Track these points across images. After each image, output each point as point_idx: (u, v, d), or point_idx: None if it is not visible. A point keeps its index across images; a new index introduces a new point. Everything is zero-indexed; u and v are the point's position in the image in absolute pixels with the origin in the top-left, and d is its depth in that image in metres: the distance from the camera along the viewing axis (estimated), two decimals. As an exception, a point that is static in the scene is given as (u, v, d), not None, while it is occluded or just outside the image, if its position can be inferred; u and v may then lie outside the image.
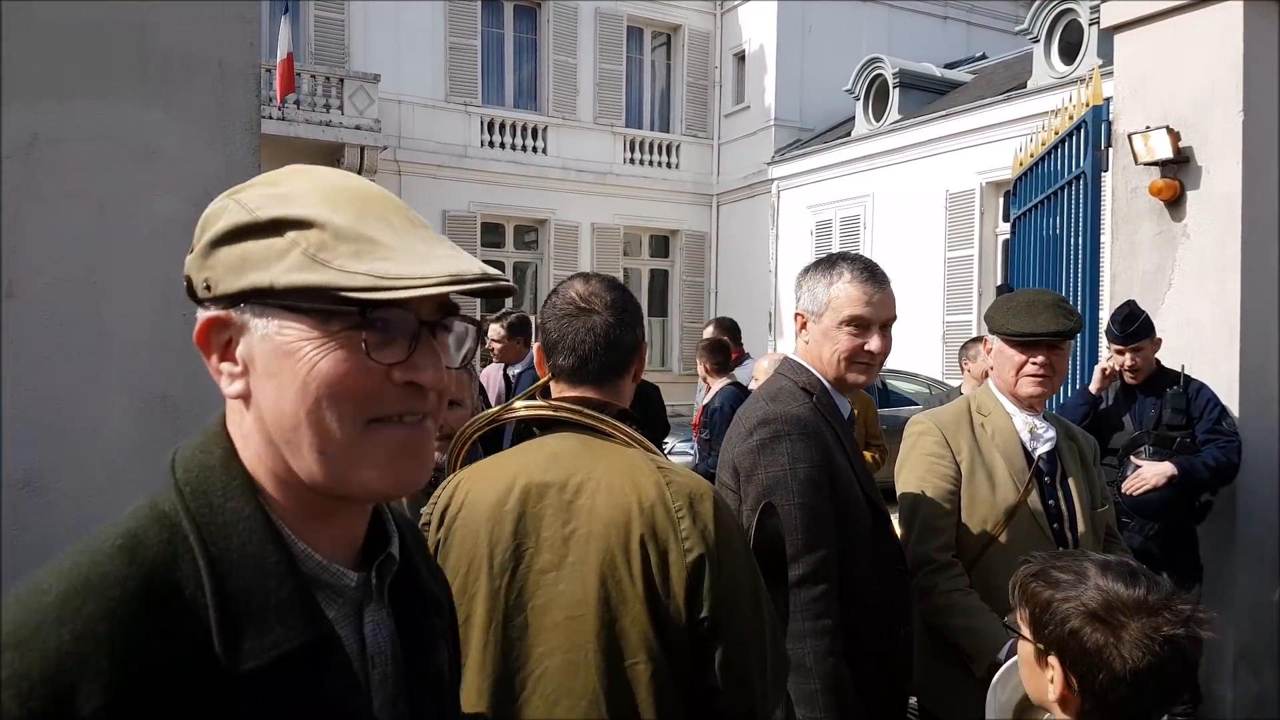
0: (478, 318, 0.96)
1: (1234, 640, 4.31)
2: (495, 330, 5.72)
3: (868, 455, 5.27)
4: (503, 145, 17.13)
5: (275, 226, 0.80)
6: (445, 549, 1.69)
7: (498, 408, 1.89)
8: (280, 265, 0.79)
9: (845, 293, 2.14)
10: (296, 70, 13.79)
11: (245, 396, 0.83)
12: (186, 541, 0.79)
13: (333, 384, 0.79)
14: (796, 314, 2.27)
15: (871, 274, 2.17)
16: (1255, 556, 4.35)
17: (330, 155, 14.78)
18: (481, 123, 16.96)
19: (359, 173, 14.53)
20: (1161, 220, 4.42)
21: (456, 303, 0.86)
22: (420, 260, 0.80)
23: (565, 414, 1.72)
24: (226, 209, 0.83)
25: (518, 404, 1.82)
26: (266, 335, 0.80)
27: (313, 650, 0.80)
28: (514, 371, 5.70)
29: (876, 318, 2.15)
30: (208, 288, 0.83)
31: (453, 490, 1.75)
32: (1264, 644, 4.40)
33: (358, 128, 14.68)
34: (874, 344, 2.15)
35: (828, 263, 2.23)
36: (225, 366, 0.84)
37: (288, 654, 0.78)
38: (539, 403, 1.79)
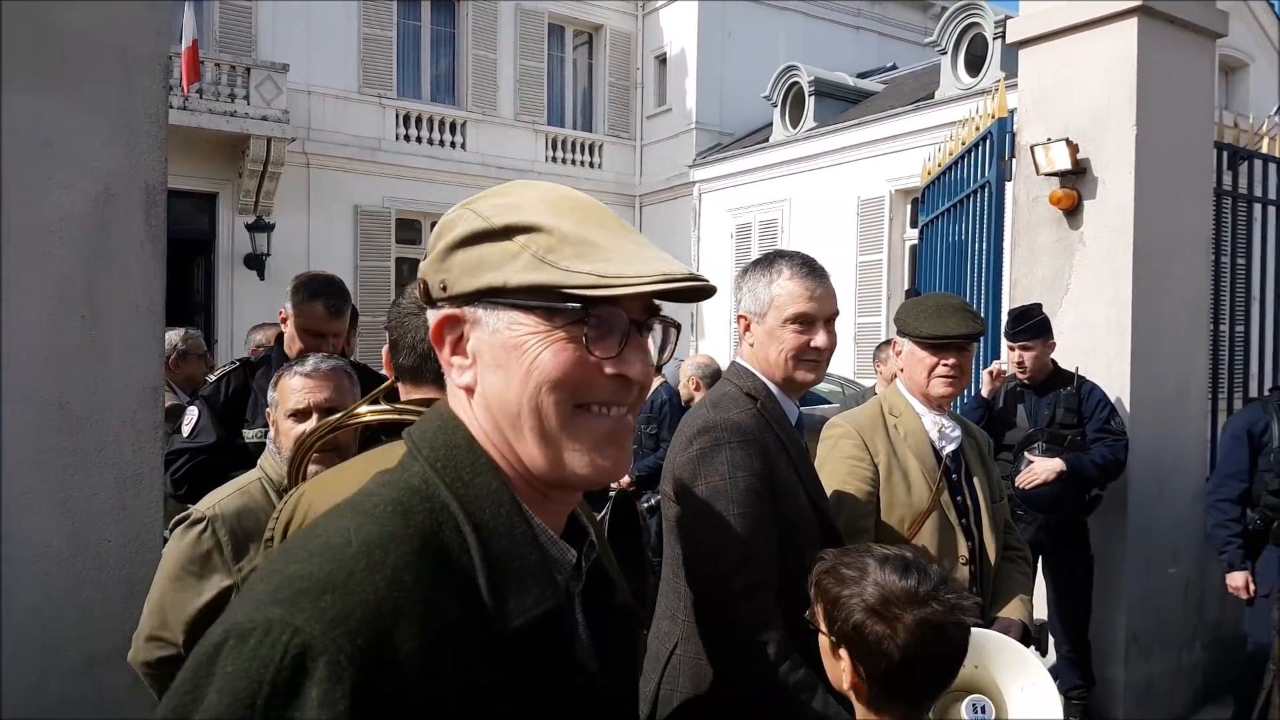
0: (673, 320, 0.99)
1: (1125, 626, 4.51)
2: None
3: None
4: (419, 139, 16.85)
5: (507, 232, 0.88)
6: None
7: (339, 415, 1.85)
8: (512, 266, 0.87)
9: (787, 290, 2.11)
10: (201, 59, 13.33)
11: (471, 387, 0.93)
12: (446, 510, 0.87)
13: (553, 373, 0.87)
14: (739, 316, 2.22)
15: (811, 269, 2.15)
16: (1142, 546, 4.56)
17: (235, 146, 14.38)
18: (396, 116, 16.66)
19: (264, 165, 14.25)
20: (1060, 228, 4.59)
21: (659, 305, 0.93)
22: (634, 261, 0.87)
23: (410, 417, 1.63)
24: (463, 217, 0.92)
25: (362, 409, 1.76)
26: (496, 330, 0.89)
27: (557, 615, 0.89)
28: None
29: (820, 313, 2.12)
30: (444, 288, 0.92)
31: (295, 503, 1.70)
32: (1153, 629, 4.61)
33: (264, 118, 14.27)
34: (820, 340, 2.12)
35: (766, 261, 2.19)
36: (456, 359, 0.94)
37: (541, 616, 0.86)
38: (384, 407, 1.73)
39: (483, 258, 0.89)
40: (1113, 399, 4.35)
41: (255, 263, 14.73)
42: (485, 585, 0.84)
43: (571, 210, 0.91)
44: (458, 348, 0.93)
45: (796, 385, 2.18)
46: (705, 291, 0.89)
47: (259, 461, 2.35)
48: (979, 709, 1.84)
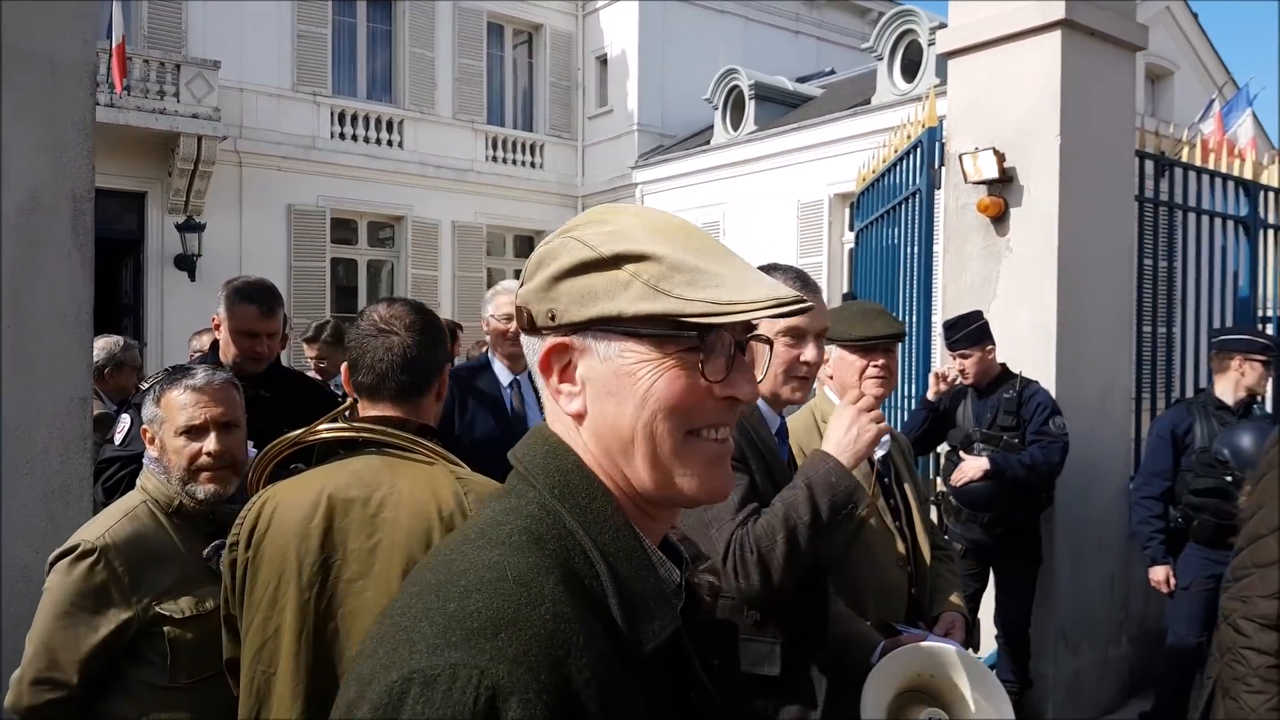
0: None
1: (1054, 623, 4.64)
2: (316, 349, 5.44)
3: None
4: (355, 138, 16.60)
5: (616, 261, 0.89)
6: (255, 565, 1.78)
7: (300, 430, 1.90)
8: (625, 296, 0.88)
9: None
10: (128, 55, 13.00)
11: (581, 414, 0.94)
12: (572, 537, 0.88)
13: (668, 400, 0.89)
14: None
15: (804, 283, 2.11)
16: (1070, 544, 4.70)
17: (164, 145, 14.04)
18: (331, 114, 16.39)
19: (195, 164, 13.95)
20: (988, 235, 4.71)
21: (755, 323, 0.94)
22: (743, 285, 0.88)
23: (366, 434, 1.81)
24: (568, 246, 0.93)
25: (321, 426, 1.86)
26: (608, 358, 0.91)
27: (677, 636, 0.91)
28: (336, 383, 5.24)
29: (811, 327, 2.11)
30: (552, 317, 0.93)
31: (259, 510, 1.81)
32: (1080, 624, 4.76)
33: (195, 116, 13.93)
34: (810, 354, 2.11)
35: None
36: (565, 387, 0.94)
37: (668, 639, 0.88)
38: (341, 424, 1.86)
39: (592, 287, 0.90)
40: (1045, 401, 4.47)
41: (186, 263, 14.40)
42: (618, 610, 0.85)
43: (675, 236, 0.93)
44: (565, 375, 0.94)
45: (783, 402, 2.18)
46: (805, 309, 0.91)
47: (139, 482, 2.22)
48: None
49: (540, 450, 0.95)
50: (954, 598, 2.73)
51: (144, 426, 2.25)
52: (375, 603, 1.71)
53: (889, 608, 2.56)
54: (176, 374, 2.27)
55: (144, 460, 2.25)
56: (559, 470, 0.93)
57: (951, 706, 2.01)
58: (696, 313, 0.87)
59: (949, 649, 2.08)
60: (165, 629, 2.06)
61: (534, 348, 0.96)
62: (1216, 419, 4.49)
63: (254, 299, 3.26)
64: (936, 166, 5.02)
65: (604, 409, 0.92)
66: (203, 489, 2.19)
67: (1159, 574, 4.49)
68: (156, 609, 2.06)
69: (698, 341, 0.89)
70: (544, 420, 1.01)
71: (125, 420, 3.23)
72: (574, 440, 0.95)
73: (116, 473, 3.04)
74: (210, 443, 2.19)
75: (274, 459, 1.95)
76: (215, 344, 3.39)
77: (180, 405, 2.19)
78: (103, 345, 4.85)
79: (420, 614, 0.79)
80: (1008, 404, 4.45)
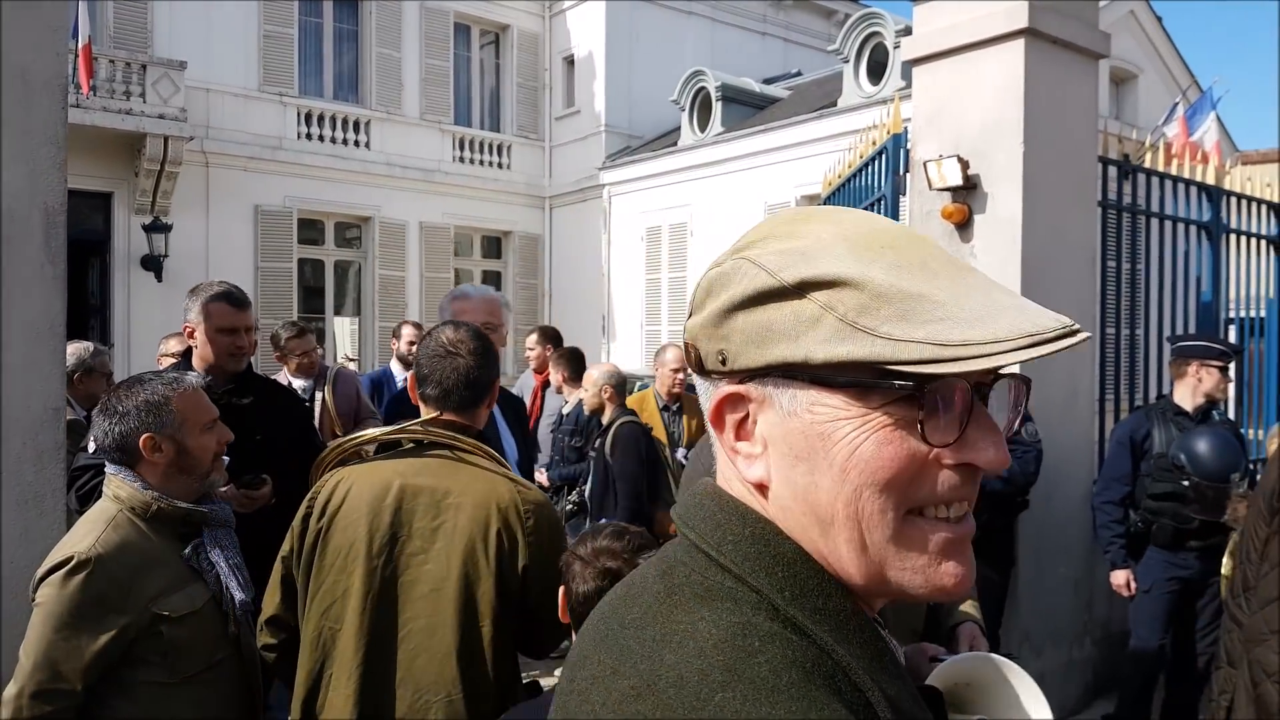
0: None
1: (1018, 626, 4.72)
2: (304, 342, 5.36)
3: None
4: (321, 138, 16.51)
5: (801, 289, 0.69)
6: (327, 535, 2.13)
7: (382, 430, 2.29)
8: (814, 335, 0.68)
9: None
10: (94, 55, 12.86)
11: (765, 483, 0.74)
12: (829, 658, 0.68)
13: (876, 470, 0.68)
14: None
15: None
16: (1034, 547, 4.78)
17: (131, 145, 13.92)
18: (298, 114, 16.30)
19: (161, 164, 13.82)
20: (952, 242, 4.78)
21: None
22: (980, 317, 0.66)
23: (434, 436, 2.19)
24: (741, 269, 0.73)
25: (372, 430, 2.29)
26: (794, 413, 0.71)
27: None
28: (302, 384, 5.26)
29: None
30: (722, 360, 0.74)
31: (333, 487, 2.18)
32: (1044, 626, 4.83)
33: (161, 116, 13.83)
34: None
35: None
36: (743, 446, 0.75)
37: None
38: (418, 426, 2.22)
39: (770, 323, 0.70)
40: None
41: (153, 264, 14.27)
42: None
43: (884, 249, 0.71)
44: (742, 431, 0.75)
45: None
46: (1079, 341, 0.67)
47: (108, 491, 2.24)
48: None
49: (739, 530, 0.74)
50: (967, 606, 2.73)
51: (147, 436, 2.22)
52: (433, 576, 2.06)
53: (906, 618, 2.59)
54: (174, 380, 2.34)
55: (109, 470, 2.26)
56: (780, 562, 0.72)
57: (993, 712, 2.07)
58: (913, 358, 0.66)
59: (991, 659, 2.15)
60: (163, 628, 2.12)
61: (705, 394, 0.78)
62: (1175, 424, 4.56)
63: (226, 296, 3.31)
64: (901, 173, 5.09)
65: (794, 477, 0.72)
66: (220, 476, 2.37)
67: (1120, 578, 4.57)
68: (154, 610, 2.12)
69: (915, 391, 0.67)
70: (711, 478, 0.81)
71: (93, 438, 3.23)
72: (762, 510, 0.75)
73: (90, 480, 3.03)
74: (225, 431, 2.36)
75: (343, 452, 2.30)
76: (188, 351, 3.38)
77: (198, 405, 2.31)
78: (72, 351, 4.81)
79: None
80: None
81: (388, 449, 2.27)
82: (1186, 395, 4.62)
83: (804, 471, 0.71)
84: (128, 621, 2.07)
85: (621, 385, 5.24)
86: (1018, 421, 0.78)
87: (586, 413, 5.37)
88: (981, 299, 0.68)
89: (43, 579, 2.08)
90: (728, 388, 0.74)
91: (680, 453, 5.71)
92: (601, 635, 0.74)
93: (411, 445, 2.23)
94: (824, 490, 0.70)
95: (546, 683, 2.31)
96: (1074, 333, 0.65)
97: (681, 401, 5.93)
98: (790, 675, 0.64)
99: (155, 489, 2.21)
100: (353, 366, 6.23)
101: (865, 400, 0.69)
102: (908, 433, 0.68)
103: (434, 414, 2.23)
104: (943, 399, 0.68)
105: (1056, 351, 0.65)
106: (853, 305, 0.68)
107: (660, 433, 5.62)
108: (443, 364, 2.23)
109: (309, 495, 2.21)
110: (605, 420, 5.15)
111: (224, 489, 2.83)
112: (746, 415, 0.74)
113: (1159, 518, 4.41)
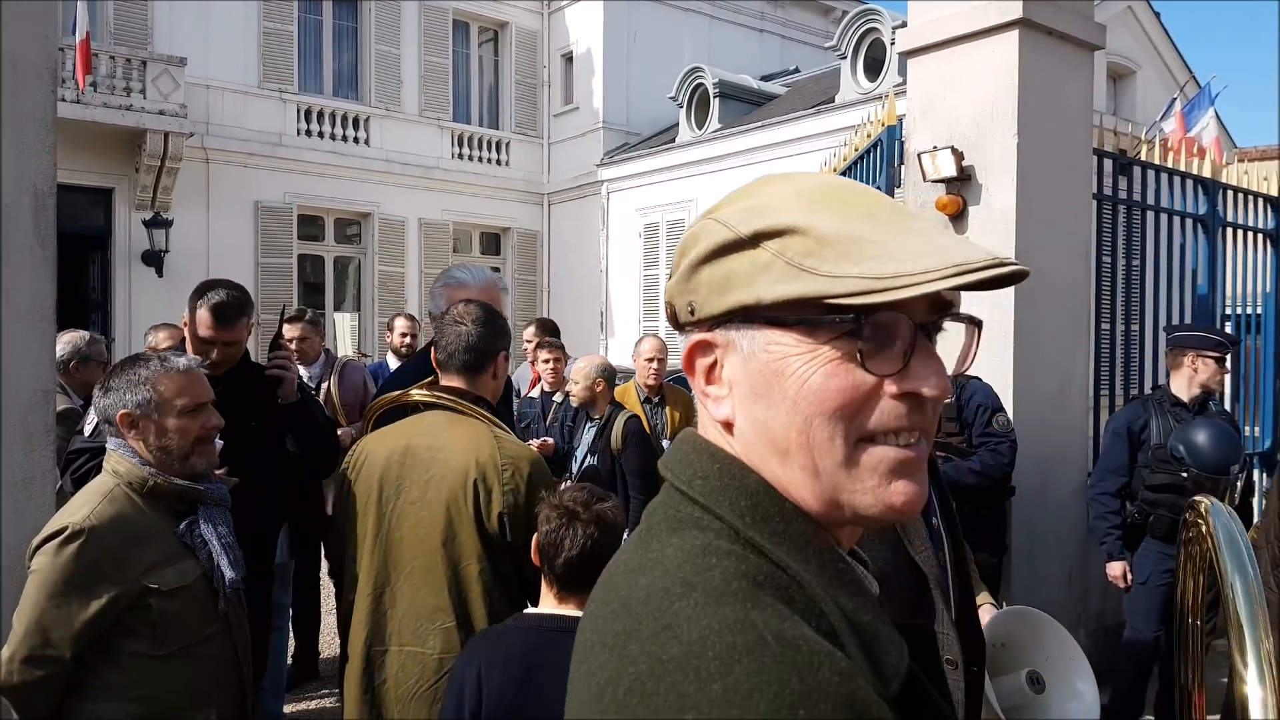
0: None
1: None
2: (300, 329, 5.27)
3: None
4: (321, 135, 16.52)
5: (755, 239, 0.76)
6: (353, 490, 2.50)
7: (398, 392, 2.62)
8: (764, 279, 0.75)
9: None
10: (94, 51, 12.88)
11: (730, 420, 0.80)
12: (784, 573, 0.72)
13: (824, 400, 0.74)
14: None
15: None
16: (1027, 539, 4.78)
17: (131, 141, 13.93)
18: (298, 111, 16.30)
19: (162, 160, 13.83)
20: (947, 233, 4.78)
21: (951, 298, 0.79)
22: (915, 254, 0.71)
23: (437, 399, 2.49)
24: (706, 229, 0.80)
25: (411, 391, 2.58)
26: (752, 354, 0.77)
27: (911, 667, 0.74)
28: (309, 373, 5.21)
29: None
30: (691, 311, 0.81)
31: (359, 450, 2.56)
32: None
33: (161, 113, 13.83)
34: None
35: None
36: (711, 389, 0.82)
37: (906, 669, 0.73)
38: (425, 391, 2.54)
39: (730, 273, 0.77)
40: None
41: (153, 259, 14.29)
42: (858, 650, 0.70)
43: (831, 202, 0.76)
44: (711, 376, 0.81)
45: None
46: (1015, 276, 0.71)
47: (108, 466, 2.30)
48: (1035, 680, 2.13)
49: (708, 467, 0.80)
50: (983, 595, 2.71)
51: (124, 412, 2.29)
52: (426, 521, 2.36)
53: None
54: (161, 361, 2.36)
55: (109, 445, 2.32)
56: (743, 493, 0.77)
57: (1048, 670, 2.16)
58: (845, 291, 0.71)
59: (1028, 613, 2.25)
60: (152, 601, 2.16)
61: (682, 347, 0.85)
62: (1172, 415, 4.53)
63: (215, 308, 3.23)
64: (896, 165, 5.09)
65: (754, 414, 0.78)
66: (205, 460, 2.37)
67: (1116, 569, 4.55)
68: (144, 583, 2.16)
69: (855, 324, 0.73)
70: (693, 427, 0.87)
71: (94, 414, 3.24)
72: (732, 450, 0.81)
73: (85, 464, 3.05)
74: (214, 417, 2.39)
75: (375, 414, 2.68)
76: (182, 342, 3.39)
77: (182, 388, 2.33)
78: (69, 340, 4.82)
79: (676, 702, 0.62)
80: (947, 409, 4.44)
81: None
82: (1183, 386, 4.60)
83: (763, 407, 0.77)
84: (118, 592, 2.11)
85: (612, 378, 5.22)
86: (969, 360, 0.85)
87: (575, 405, 5.28)
88: (919, 239, 0.73)
89: (38, 548, 2.12)
90: (697, 335, 0.81)
91: (666, 444, 5.57)
92: (602, 577, 0.81)
93: (422, 408, 2.54)
94: (779, 423, 0.76)
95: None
96: (1002, 264, 0.69)
97: (663, 393, 5.89)
98: (740, 583, 0.69)
99: (152, 465, 2.23)
100: (367, 362, 6.21)
101: (814, 336, 0.74)
102: (853, 365, 0.74)
103: (443, 379, 2.54)
104: (885, 331, 0.74)
105: (983, 280, 0.69)
106: (799, 249, 0.74)
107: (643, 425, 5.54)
108: (449, 331, 2.52)
109: (345, 457, 2.61)
110: (601, 414, 5.12)
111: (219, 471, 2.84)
112: (714, 361, 0.81)
113: (1156, 509, 4.39)
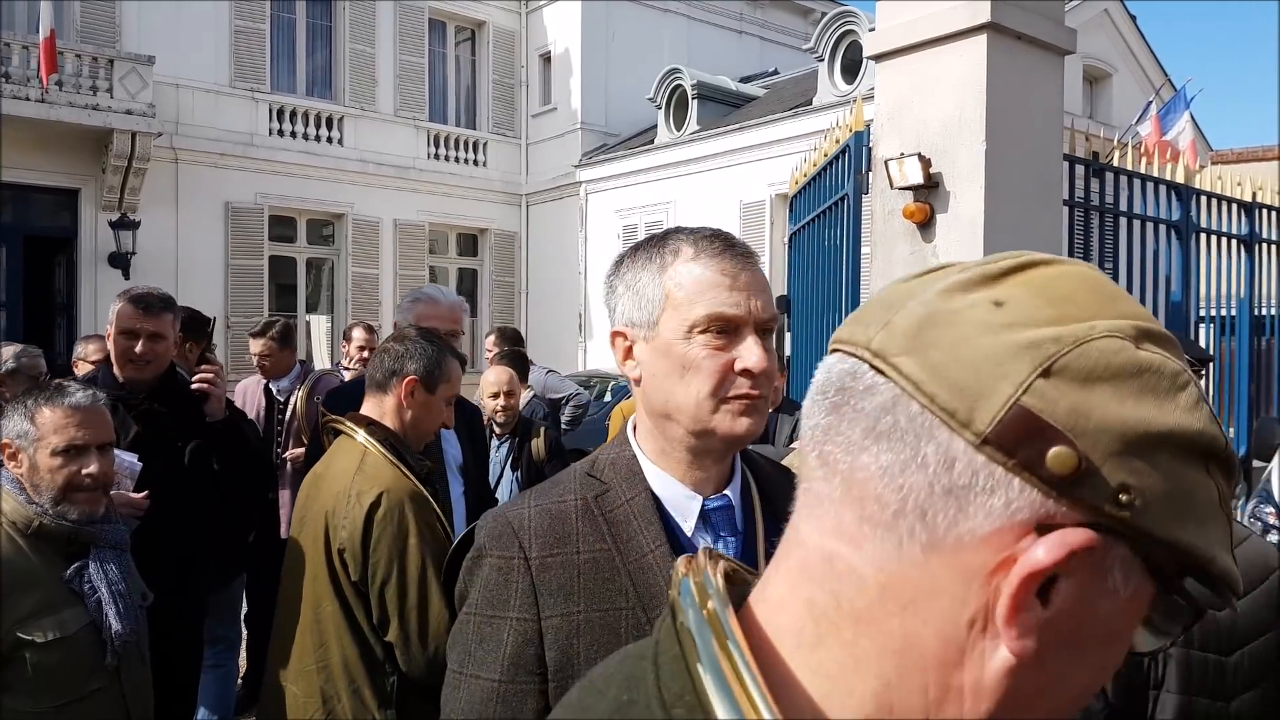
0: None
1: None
2: (264, 344, 5.06)
3: None
4: (294, 135, 16.30)
5: None
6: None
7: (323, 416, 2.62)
8: None
9: (692, 278, 1.30)
10: (60, 49, 12.64)
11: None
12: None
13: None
14: (615, 333, 1.37)
15: (729, 245, 1.35)
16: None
17: (98, 141, 13.70)
18: (270, 110, 16.08)
19: (129, 160, 13.60)
20: (914, 241, 4.68)
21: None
22: None
23: (334, 421, 2.46)
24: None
25: (330, 414, 2.56)
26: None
27: None
28: (278, 386, 5.04)
29: (750, 314, 1.30)
30: None
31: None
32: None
33: (129, 112, 13.59)
34: (753, 358, 1.26)
35: (656, 241, 1.36)
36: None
37: None
38: (329, 413, 2.55)
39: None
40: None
41: (120, 261, 14.05)
42: None
43: None
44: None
45: (719, 441, 1.30)
46: None
47: None
48: None
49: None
50: None
51: (4, 441, 2.15)
52: (301, 555, 2.32)
53: None
54: (53, 392, 2.17)
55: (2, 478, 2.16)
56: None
57: None
58: None
59: None
60: (26, 654, 1.98)
61: None
62: None
63: (135, 299, 3.09)
64: (864, 171, 4.99)
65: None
66: (77, 510, 2.14)
67: None
68: (18, 634, 1.98)
69: None
70: None
71: None
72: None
73: None
74: (92, 465, 2.15)
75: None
76: (110, 359, 3.21)
77: (60, 424, 2.12)
78: (10, 354, 4.65)
79: None
80: None
81: None
82: None
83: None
84: None
85: (517, 388, 4.90)
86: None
87: (496, 420, 4.75)
88: None
89: None
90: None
91: None
92: None
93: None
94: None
95: None
96: None
97: None
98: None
99: (42, 504, 2.08)
100: (347, 375, 5.79)
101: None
102: None
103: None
104: None
105: None
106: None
107: None
108: (378, 350, 2.56)
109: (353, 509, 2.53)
110: (508, 423, 4.76)
111: (137, 495, 2.70)
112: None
113: None
